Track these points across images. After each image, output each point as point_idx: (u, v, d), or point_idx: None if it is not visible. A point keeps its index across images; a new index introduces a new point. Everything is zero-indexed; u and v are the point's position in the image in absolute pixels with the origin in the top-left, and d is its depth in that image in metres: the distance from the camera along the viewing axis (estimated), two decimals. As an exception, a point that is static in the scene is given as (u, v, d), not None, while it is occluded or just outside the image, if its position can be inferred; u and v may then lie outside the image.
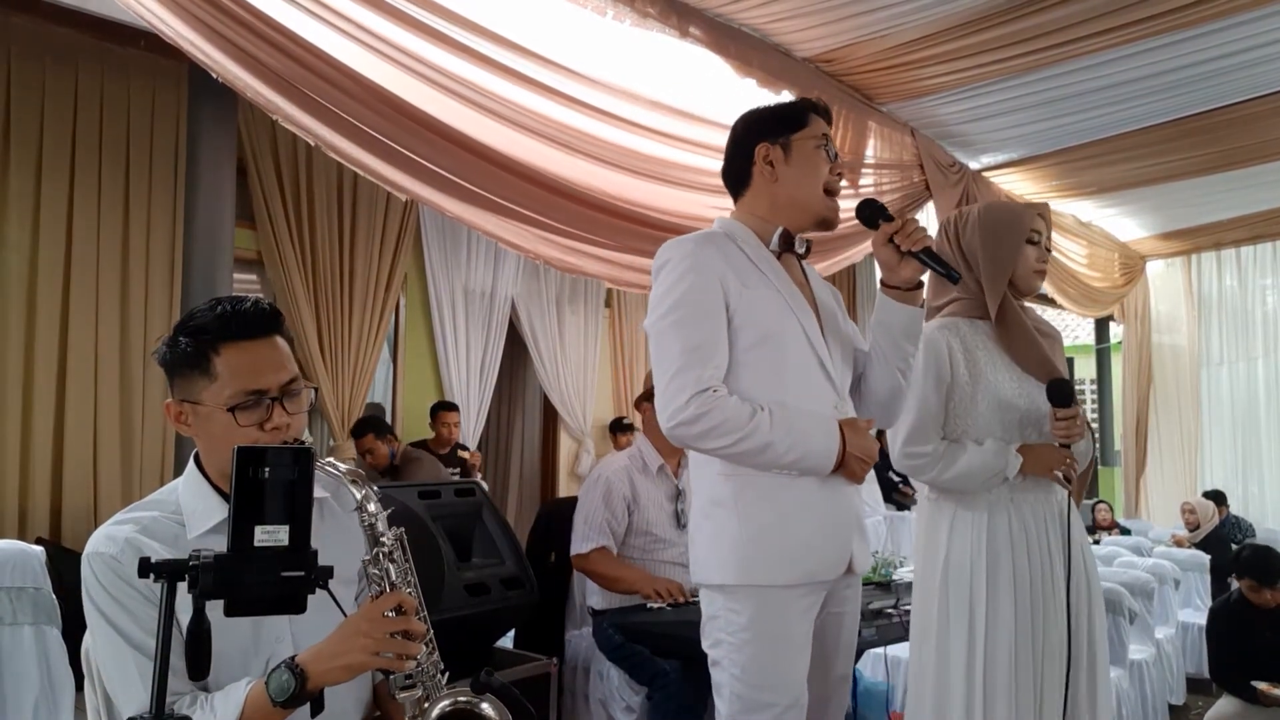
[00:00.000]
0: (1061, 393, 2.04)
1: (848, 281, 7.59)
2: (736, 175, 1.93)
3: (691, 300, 1.75)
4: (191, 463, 1.38)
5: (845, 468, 1.74)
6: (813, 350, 1.80)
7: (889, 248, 1.78)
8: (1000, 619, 2.02)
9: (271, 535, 1.04)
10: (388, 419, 5.59)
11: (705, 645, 1.80)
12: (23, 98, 3.81)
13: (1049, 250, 2.23)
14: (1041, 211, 2.21)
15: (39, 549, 2.77)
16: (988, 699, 1.99)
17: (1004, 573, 2.04)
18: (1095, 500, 7.24)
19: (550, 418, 6.49)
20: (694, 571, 1.83)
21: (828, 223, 1.89)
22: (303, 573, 1.06)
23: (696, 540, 1.82)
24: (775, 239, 1.86)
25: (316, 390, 1.30)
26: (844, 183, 1.91)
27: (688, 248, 1.79)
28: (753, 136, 1.88)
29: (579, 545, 3.07)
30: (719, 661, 1.76)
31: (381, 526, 1.29)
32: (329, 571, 1.08)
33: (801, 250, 1.89)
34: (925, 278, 1.85)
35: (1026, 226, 2.16)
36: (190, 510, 1.34)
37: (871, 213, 1.83)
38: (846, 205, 1.97)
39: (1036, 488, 2.11)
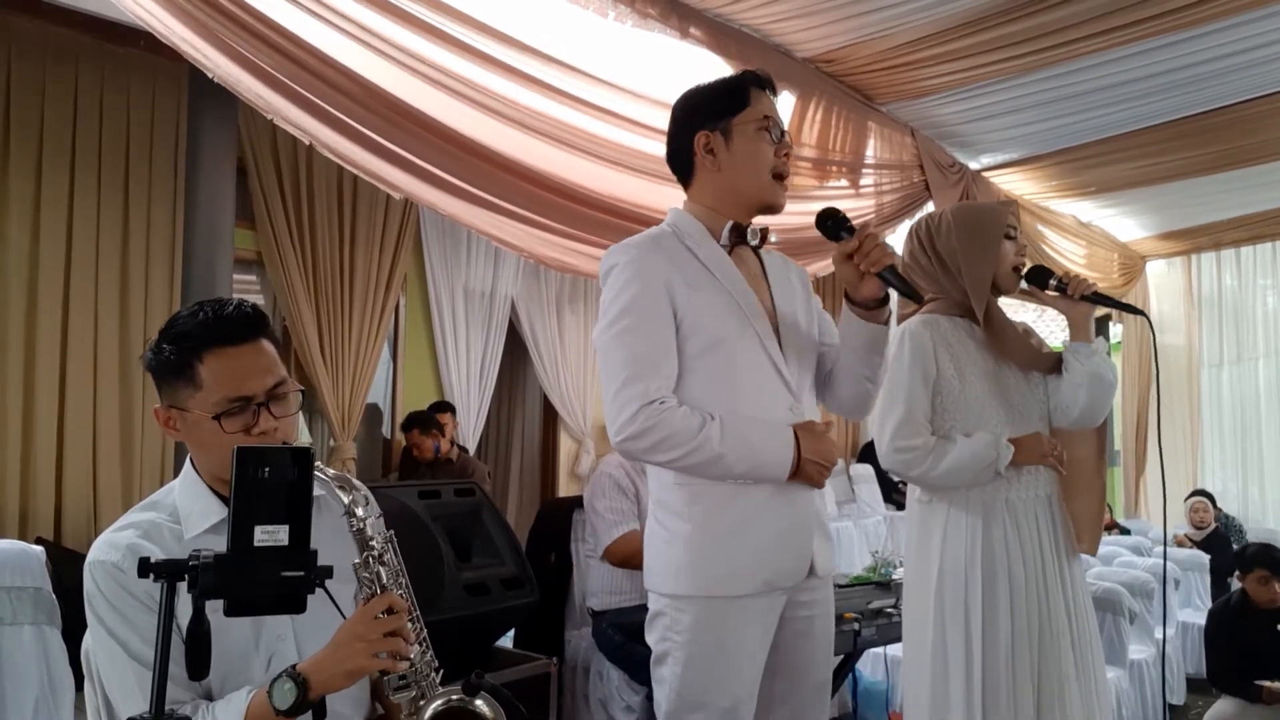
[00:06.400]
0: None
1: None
2: (679, 165, 1.82)
3: (637, 308, 1.65)
4: (188, 463, 1.38)
5: (801, 473, 1.68)
6: (765, 353, 1.72)
7: (849, 264, 1.69)
8: (998, 623, 2.00)
9: (271, 535, 1.04)
10: (387, 419, 5.60)
11: (650, 640, 1.73)
12: (23, 98, 3.80)
13: (1023, 244, 2.22)
14: (1013, 209, 2.21)
15: (39, 549, 2.77)
16: (987, 705, 1.98)
17: (1000, 576, 2.02)
18: (1095, 500, 7.21)
19: (550, 418, 6.48)
20: (646, 578, 1.77)
21: (773, 208, 1.78)
22: (303, 572, 1.06)
23: (650, 546, 1.75)
24: (726, 234, 1.76)
25: (304, 392, 1.28)
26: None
27: (632, 253, 1.71)
28: (691, 124, 1.77)
29: (609, 534, 3.00)
30: (664, 659, 1.70)
31: (370, 530, 1.29)
32: (329, 571, 1.08)
33: (755, 241, 1.79)
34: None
35: (1003, 223, 2.15)
36: (187, 512, 1.33)
37: (832, 224, 1.74)
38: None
39: (1028, 489, 2.09)
